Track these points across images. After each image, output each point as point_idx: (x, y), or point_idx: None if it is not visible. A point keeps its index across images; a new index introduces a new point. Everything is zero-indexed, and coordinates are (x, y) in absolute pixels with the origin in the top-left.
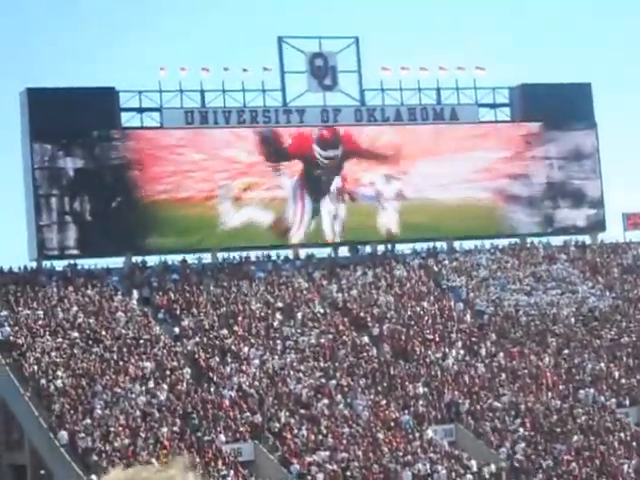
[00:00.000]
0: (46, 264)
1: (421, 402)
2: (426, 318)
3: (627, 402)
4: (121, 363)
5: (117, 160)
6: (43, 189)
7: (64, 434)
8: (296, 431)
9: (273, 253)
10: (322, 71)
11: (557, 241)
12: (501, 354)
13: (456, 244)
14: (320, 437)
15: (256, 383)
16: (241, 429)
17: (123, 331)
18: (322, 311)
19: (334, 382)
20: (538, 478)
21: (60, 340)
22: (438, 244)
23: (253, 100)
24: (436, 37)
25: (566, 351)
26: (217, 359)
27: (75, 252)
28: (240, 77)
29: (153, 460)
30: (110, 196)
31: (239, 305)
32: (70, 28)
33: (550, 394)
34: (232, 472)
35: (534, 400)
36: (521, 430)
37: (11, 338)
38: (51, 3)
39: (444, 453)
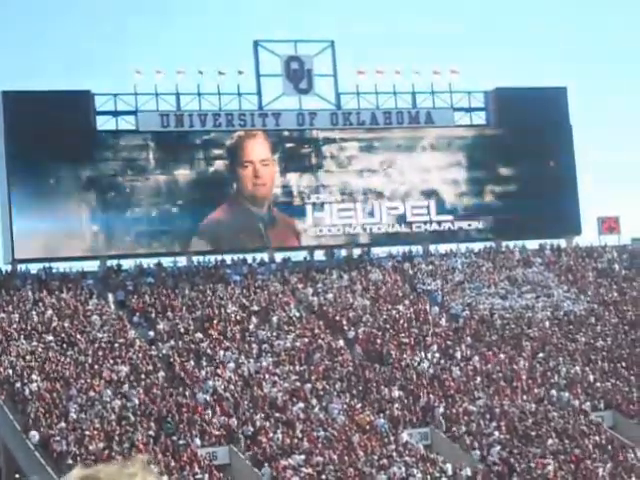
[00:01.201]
0: (21, 267)
1: (396, 405)
2: (401, 321)
3: (602, 406)
4: (96, 367)
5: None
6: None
7: (38, 437)
8: (271, 434)
9: (249, 256)
10: (298, 74)
11: (532, 245)
12: (476, 357)
13: (431, 247)
14: (295, 441)
15: (231, 387)
16: (216, 433)
17: (98, 334)
18: (297, 315)
19: (309, 386)
20: None
21: (35, 344)
22: (414, 248)
23: (229, 103)
24: (411, 41)
25: (541, 355)
26: (192, 363)
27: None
28: (216, 80)
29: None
30: None
31: (214, 308)
32: (46, 31)
33: (525, 397)
34: (207, 476)
35: (509, 403)
36: (496, 433)
37: None
38: (26, 6)
39: (419, 456)
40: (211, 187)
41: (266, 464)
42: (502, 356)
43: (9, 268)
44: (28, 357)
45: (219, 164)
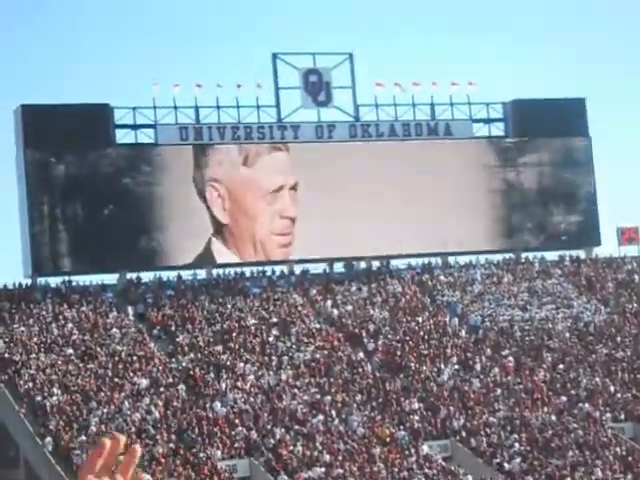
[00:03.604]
0: (41, 281)
1: (416, 417)
2: (421, 333)
3: (622, 417)
4: (116, 380)
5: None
6: (36, 197)
7: (59, 450)
8: (291, 447)
9: (268, 269)
10: (316, 87)
11: (552, 256)
12: (496, 369)
13: (451, 259)
14: (316, 453)
15: (251, 399)
16: (236, 445)
17: (118, 347)
18: (317, 327)
19: (329, 398)
20: None
21: (55, 357)
22: (433, 259)
23: (248, 116)
24: (429, 52)
25: (561, 366)
26: (212, 375)
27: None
28: (234, 93)
29: (148, 477)
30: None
31: (234, 321)
32: (64, 45)
33: (545, 409)
34: None
35: (529, 415)
36: (517, 445)
37: (6, 355)
38: (45, 21)
39: (440, 469)
40: None
41: (286, 477)
42: (522, 367)
43: (29, 282)
44: (48, 370)
45: None
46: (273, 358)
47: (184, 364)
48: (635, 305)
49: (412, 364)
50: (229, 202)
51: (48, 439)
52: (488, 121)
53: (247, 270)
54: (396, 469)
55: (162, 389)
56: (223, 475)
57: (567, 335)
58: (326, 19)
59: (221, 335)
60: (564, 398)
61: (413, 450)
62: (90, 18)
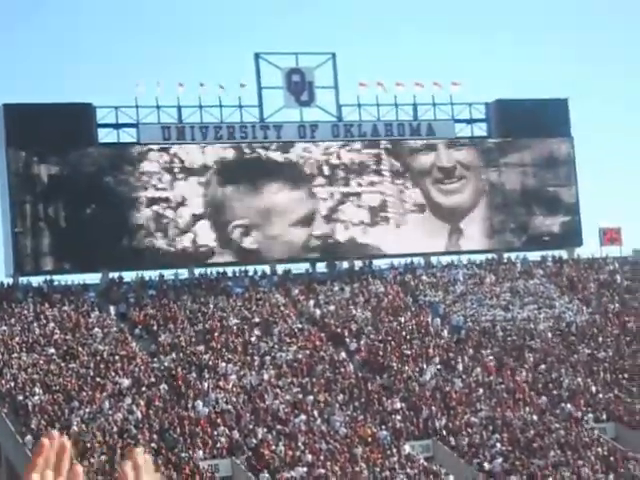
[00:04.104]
0: (22, 280)
1: (398, 417)
2: (403, 333)
3: (604, 417)
4: (98, 379)
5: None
6: (18, 196)
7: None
8: (273, 447)
9: (250, 269)
10: (299, 87)
11: (534, 256)
12: (478, 369)
13: (433, 259)
14: (298, 453)
15: (233, 399)
16: (218, 445)
17: (100, 347)
18: (299, 327)
19: (311, 398)
20: None
21: (37, 356)
22: (415, 259)
23: (230, 116)
24: (412, 53)
25: (543, 366)
26: (194, 375)
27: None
28: (217, 93)
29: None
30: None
31: (216, 321)
32: (46, 44)
33: (527, 409)
34: None
35: (511, 415)
36: (498, 445)
37: None
38: (27, 21)
39: (422, 468)
40: None
41: (269, 476)
42: (504, 367)
43: (10, 281)
44: (30, 370)
45: None
46: (255, 358)
47: (166, 364)
48: (617, 305)
49: (394, 364)
50: None
51: (29, 438)
52: (470, 121)
53: (229, 270)
54: (378, 469)
55: (144, 389)
56: (205, 475)
57: (549, 335)
58: (309, 19)
59: (203, 335)
60: (546, 398)
61: (395, 450)
62: (76, 17)
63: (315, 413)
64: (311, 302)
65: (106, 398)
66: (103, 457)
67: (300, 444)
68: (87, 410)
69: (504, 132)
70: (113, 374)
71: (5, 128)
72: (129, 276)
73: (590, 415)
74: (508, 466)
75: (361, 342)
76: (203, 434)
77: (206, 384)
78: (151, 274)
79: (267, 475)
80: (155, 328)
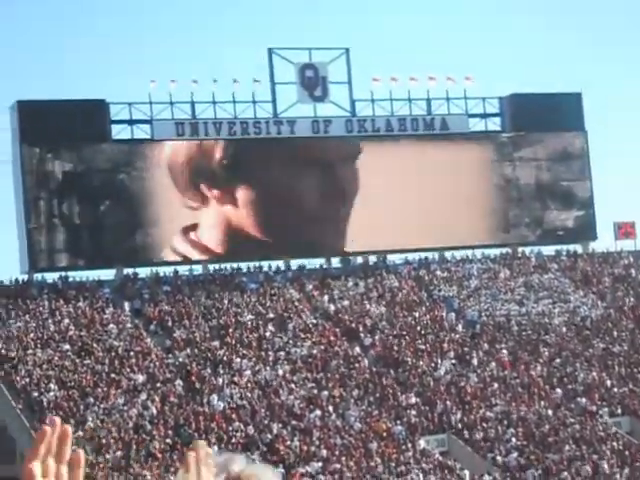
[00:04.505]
0: (37, 277)
1: (413, 412)
2: (418, 328)
3: (619, 411)
4: (113, 375)
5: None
6: (32, 192)
7: None
8: (288, 442)
9: (265, 264)
10: (312, 82)
11: (548, 250)
12: (493, 364)
13: (447, 254)
14: (313, 448)
15: (248, 394)
16: (233, 441)
17: (115, 343)
18: (314, 322)
19: (326, 393)
20: None
21: (51, 353)
22: (430, 254)
23: (244, 112)
24: (425, 47)
25: (558, 360)
26: (209, 371)
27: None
28: (230, 88)
29: (145, 472)
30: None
31: (231, 316)
32: (61, 42)
33: (542, 403)
34: None
35: (526, 410)
36: (513, 440)
37: (2, 351)
38: (42, 19)
39: (437, 463)
40: None
41: (283, 472)
42: (519, 362)
43: (25, 277)
44: (45, 366)
45: None
46: (270, 353)
47: (181, 359)
48: (632, 299)
49: (409, 359)
50: None
51: None
52: (484, 116)
53: (244, 265)
54: (393, 464)
55: (159, 384)
56: None
57: (564, 330)
58: (322, 14)
59: (218, 330)
60: (561, 392)
61: (410, 445)
62: (90, 14)
63: (330, 408)
64: (325, 297)
65: (121, 394)
66: (118, 453)
67: (315, 439)
68: (102, 406)
69: (518, 126)
70: (128, 370)
71: (19, 125)
72: (144, 272)
73: (605, 409)
74: (523, 461)
75: (376, 337)
76: (218, 429)
77: (221, 380)
78: (165, 270)
79: (282, 470)
80: (170, 324)
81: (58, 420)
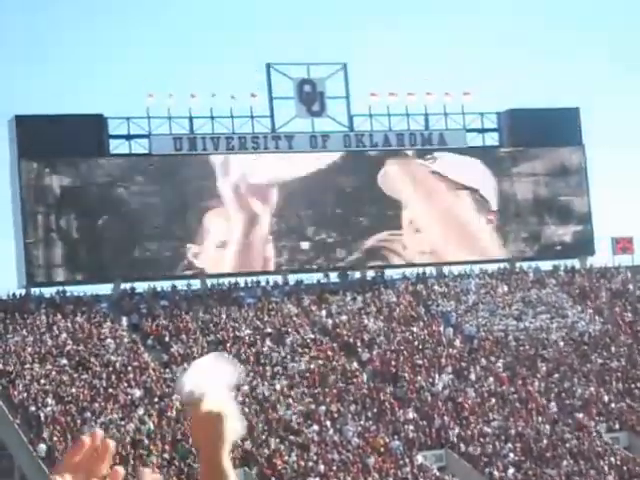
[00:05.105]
0: (35, 291)
1: (411, 427)
2: (415, 343)
3: (617, 426)
4: (110, 390)
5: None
6: (30, 207)
7: (53, 460)
8: (286, 457)
9: (262, 279)
10: (310, 97)
11: (546, 266)
12: (491, 379)
13: (445, 269)
14: (310, 463)
15: (245, 409)
16: (231, 455)
17: (112, 358)
18: (312, 337)
19: (324, 408)
20: None
21: (49, 367)
22: (427, 269)
23: (242, 126)
24: (423, 63)
25: (556, 376)
26: None
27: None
28: (228, 103)
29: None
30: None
31: (228, 331)
32: (58, 56)
33: (540, 419)
34: None
35: (524, 425)
36: (511, 455)
37: (0, 365)
38: (39, 34)
39: (434, 478)
40: None
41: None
42: (517, 377)
43: (23, 292)
44: (42, 381)
45: None
46: (267, 368)
47: (178, 374)
48: (629, 315)
49: (407, 374)
50: None
51: (42, 448)
52: (482, 131)
53: (241, 280)
54: (391, 479)
55: (156, 399)
56: None
57: (561, 345)
58: (320, 29)
59: (215, 345)
60: (558, 408)
61: (408, 460)
62: (83, 27)
63: (327, 423)
64: (323, 312)
65: (118, 409)
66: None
67: (312, 454)
68: (99, 421)
69: (516, 141)
70: (125, 385)
71: (17, 139)
72: (141, 287)
73: (603, 424)
74: (521, 476)
75: (373, 352)
76: None
77: None
78: (163, 285)
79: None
80: (167, 339)
81: (100, 433)
